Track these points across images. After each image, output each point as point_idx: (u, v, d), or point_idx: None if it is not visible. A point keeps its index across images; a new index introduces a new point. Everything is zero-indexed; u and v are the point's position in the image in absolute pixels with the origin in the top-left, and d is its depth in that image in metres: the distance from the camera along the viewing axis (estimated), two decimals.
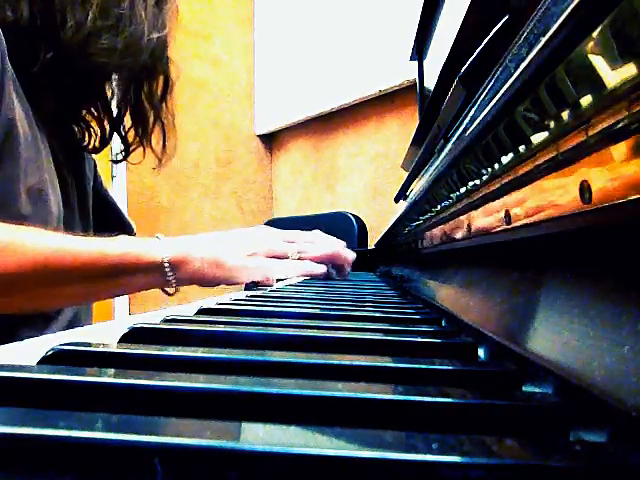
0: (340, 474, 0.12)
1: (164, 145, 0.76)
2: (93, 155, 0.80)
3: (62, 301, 0.58)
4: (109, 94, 0.73)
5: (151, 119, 0.72)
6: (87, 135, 0.75)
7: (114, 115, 0.73)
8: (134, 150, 0.76)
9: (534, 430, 0.16)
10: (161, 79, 0.72)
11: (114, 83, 0.73)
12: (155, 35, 0.66)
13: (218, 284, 0.65)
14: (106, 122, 0.74)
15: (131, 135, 0.74)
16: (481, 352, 0.26)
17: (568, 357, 0.17)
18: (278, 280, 0.69)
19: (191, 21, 2.30)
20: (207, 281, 0.64)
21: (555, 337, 0.19)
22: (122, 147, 0.76)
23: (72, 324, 0.67)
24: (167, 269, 0.60)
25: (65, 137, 0.71)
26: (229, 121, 2.47)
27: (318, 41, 2.17)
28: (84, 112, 0.73)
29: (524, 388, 0.20)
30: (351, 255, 0.78)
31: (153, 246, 0.61)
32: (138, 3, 0.64)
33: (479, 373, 0.21)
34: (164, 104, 0.73)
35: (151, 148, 0.75)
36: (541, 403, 0.17)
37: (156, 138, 0.75)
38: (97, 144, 0.75)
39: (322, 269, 0.73)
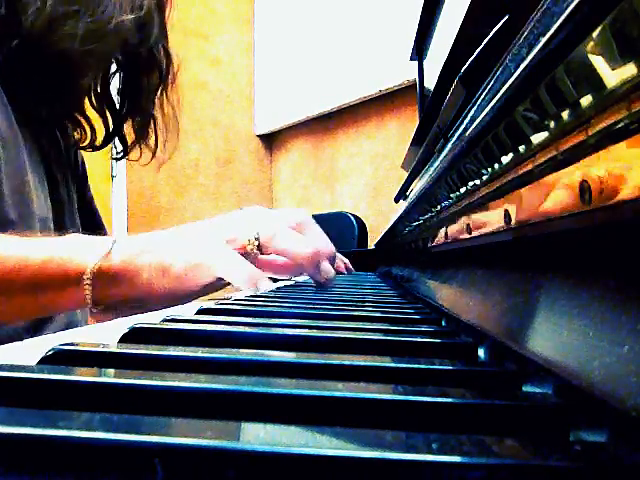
0: (340, 474, 0.12)
1: (156, 142, 0.74)
2: (94, 153, 0.80)
3: None
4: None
5: (148, 114, 0.71)
6: (83, 132, 0.73)
7: (115, 109, 0.72)
8: (133, 147, 0.74)
9: (534, 430, 0.16)
10: (156, 73, 0.69)
11: (116, 77, 0.72)
12: (128, 17, 0.60)
13: (176, 300, 0.48)
14: (109, 118, 0.73)
15: (130, 134, 0.73)
16: (481, 352, 0.26)
17: (568, 357, 0.17)
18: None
19: (191, 21, 2.30)
20: (158, 297, 0.48)
21: (555, 337, 0.19)
22: (121, 146, 0.75)
23: (70, 325, 0.66)
24: (91, 285, 0.46)
25: (54, 135, 0.70)
26: (229, 121, 2.47)
27: (318, 41, 2.17)
28: (77, 110, 0.71)
29: (524, 388, 0.20)
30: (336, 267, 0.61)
31: (82, 251, 0.47)
32: None
33: (479, 373, 0.21)
34: (164, 98, 0.71)
35: (152, 145, 0.73)
36: (541, 403, 0.17)
37: (156, 136, 0.74)
38: (97, 142, 0.73)
39: (266, 282, 0.51)
